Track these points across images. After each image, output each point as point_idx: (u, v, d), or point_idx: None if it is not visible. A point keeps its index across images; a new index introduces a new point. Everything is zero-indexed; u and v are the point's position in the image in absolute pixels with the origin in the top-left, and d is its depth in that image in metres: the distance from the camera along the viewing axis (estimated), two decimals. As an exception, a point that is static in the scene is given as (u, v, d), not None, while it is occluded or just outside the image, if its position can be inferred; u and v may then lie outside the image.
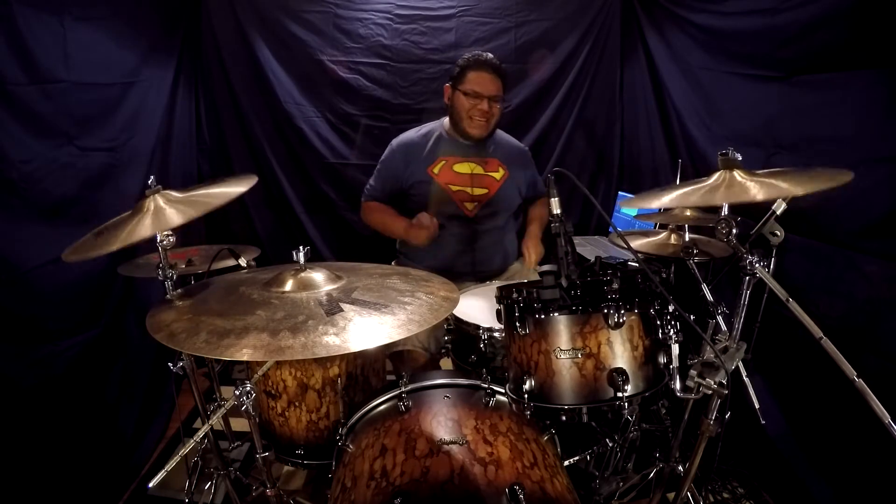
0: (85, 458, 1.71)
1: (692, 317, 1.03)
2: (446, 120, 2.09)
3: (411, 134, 2.12)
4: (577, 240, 2.31)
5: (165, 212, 1.15)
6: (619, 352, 1.01)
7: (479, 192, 2.04)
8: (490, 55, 1.97)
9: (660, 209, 2.39)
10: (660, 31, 2.60)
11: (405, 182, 2.05)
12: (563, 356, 1.02)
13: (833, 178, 1.05)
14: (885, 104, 1.47)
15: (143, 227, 1.12)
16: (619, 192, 2.85)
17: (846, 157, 1.58)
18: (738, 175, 1.11)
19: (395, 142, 2.11)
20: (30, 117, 1.62)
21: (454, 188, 2.02)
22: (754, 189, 1.06)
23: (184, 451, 1.13)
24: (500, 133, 2.17)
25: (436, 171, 2.02)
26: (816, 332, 0.98)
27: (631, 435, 1.57)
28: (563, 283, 1.00)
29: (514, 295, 1.07)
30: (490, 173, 2.07)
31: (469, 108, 1.95)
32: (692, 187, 1.16)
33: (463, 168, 2.04)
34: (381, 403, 1.22)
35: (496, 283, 1.87)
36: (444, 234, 1.98)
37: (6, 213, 1.53)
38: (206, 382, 1.74)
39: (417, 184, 2.03)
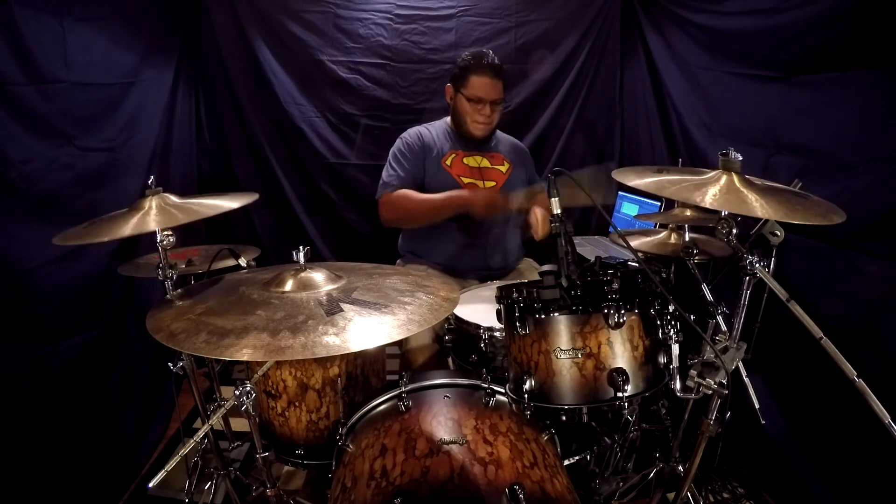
0: (85, 458, 1.71)
1: (692, 317, 1.03)
2: (449, 118, 2.12)
3: (419, 128, 2.11)
4: (577, 240, 2.31)
5: (163, 212, 1.17)
6: (620, 352, 1.01)
7: (488, 185, 2.05)
8: (492, 55, 1.96)
9: (661, 206, 2.40)
10: (660, 31, 2.60)
11: (424, 172, 2.02)
12: (563, 356, 1.02)
13: (825, 215, 1.04)
14: (885, 104, 1.47)
15: (141, 224, 1.14)
16: (619, 192, 2.85)
17: (846, 157, 1.58)
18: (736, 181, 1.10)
19: (406, 135, 2.08)
20: (30, 117, 1.62)
21: (466, 181, 2.03)
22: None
23: (184, 451, 1.13)
24: (499, 132, 2.19)
25: (448, 163, 2.03)
26: (816, 332, 0.98)
27: (631, 435, 1.57)
28: (564, 283, 1.00)
29: (514, 295, 1.07)
30: (496, 167, 2.09)
31: (472, 112, 1.97)
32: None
33: (472, 161, 2.06)
34: (381, 403, 1.22)
35: (497, 283, 1.87)
36: (453, 228, 1.99)
37: (6, 213, 1.53)
38: (206, 382, 1.74)
39: (433, 175, 2.01)
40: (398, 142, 2.08)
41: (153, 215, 1.17)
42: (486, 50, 1.98)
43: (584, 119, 2.97)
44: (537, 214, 1.83)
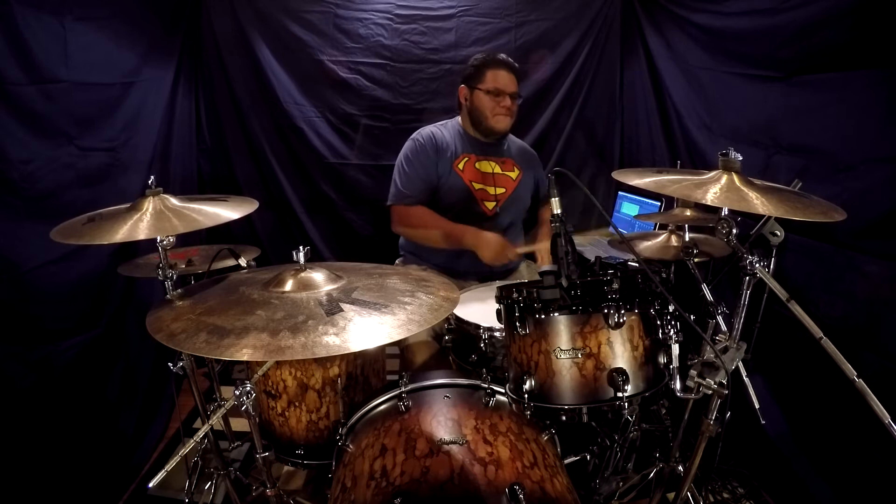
0: (85, 458, 1.71)
1: (692, 317, 1.03)
2: (459, 119, 2.12)
3: (431, 128, 2.09)
4: (577, 240, 2.30)
5: (163, 218, 1.16)
6: (620, 352, 1.01)
7: (498, 191, 2.05)
8: (503, 54, 2.02)
9: (661, 206, 2.40)
10: (660, 31, 2.60)
11: (436, 176, 2.00)
12: (563, 356, 1.02)
13: (826, 213, 1.05)
14: (885, 104, 1.47)
15: (139, 231, 1.14)
16: (619, 193, 2.85)
17: (846, 157, 1.58)
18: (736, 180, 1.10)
19: (417, 136, 2.06)
20: (30, 117, 1.62)
21: (477, 186, 2.03)
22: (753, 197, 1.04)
23: (184, 451, 1.13)
24: (510, 135, 2.19)
25: (460, 167, 2.02)
26: (816, 332, 0.98)
27: (631, 435, 1.56)
28: (564, 283, 1.00)
29: (514, 295, 1.07)
30: (507, 173, 2.09)
31: (492, 105, 1.98)
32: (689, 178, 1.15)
33: (484, 167, 2.06)
34: (381, 403, 1.22)
35: (497, 283, 1.87)
36: None
37: (6, 213, 1.53)
38: (206, 382, 1.74)
39: (445, 180, 2.00)
40: (411, 143, 2.05)
41: (151, 223, 1.16)
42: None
43: (584, 119, 2.97)
44: (541, 253, 1.93)
